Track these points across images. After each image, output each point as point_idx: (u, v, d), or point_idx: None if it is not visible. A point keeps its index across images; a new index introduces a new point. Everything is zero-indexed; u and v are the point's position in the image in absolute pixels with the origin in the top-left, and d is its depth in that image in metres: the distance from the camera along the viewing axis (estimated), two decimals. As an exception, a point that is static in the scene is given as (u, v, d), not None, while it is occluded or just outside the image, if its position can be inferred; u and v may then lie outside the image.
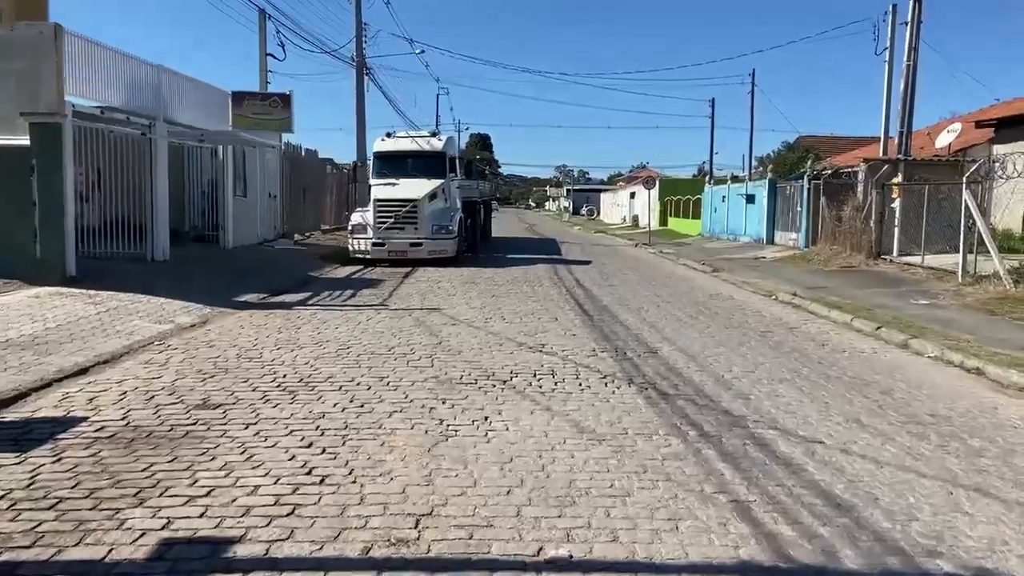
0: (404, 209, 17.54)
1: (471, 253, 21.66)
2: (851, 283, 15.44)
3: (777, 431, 5.53)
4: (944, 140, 18.75)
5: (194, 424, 5.37)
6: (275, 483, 4.26)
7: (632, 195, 55.11)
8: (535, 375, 7.02)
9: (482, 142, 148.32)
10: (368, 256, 17.63)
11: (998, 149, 19.63)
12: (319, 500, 4.03)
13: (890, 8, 20.87)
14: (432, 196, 18.11)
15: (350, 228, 18.02)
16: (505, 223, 54.19)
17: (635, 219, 51.78)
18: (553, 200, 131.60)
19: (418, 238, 17.61)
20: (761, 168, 39.43)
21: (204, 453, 4.77)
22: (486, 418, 5.64)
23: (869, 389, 6.92)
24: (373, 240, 17.56)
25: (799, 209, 23.83)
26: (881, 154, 20.33)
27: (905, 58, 18.61)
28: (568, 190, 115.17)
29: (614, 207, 65.88)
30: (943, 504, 4.30)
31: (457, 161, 19.87)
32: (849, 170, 21.80)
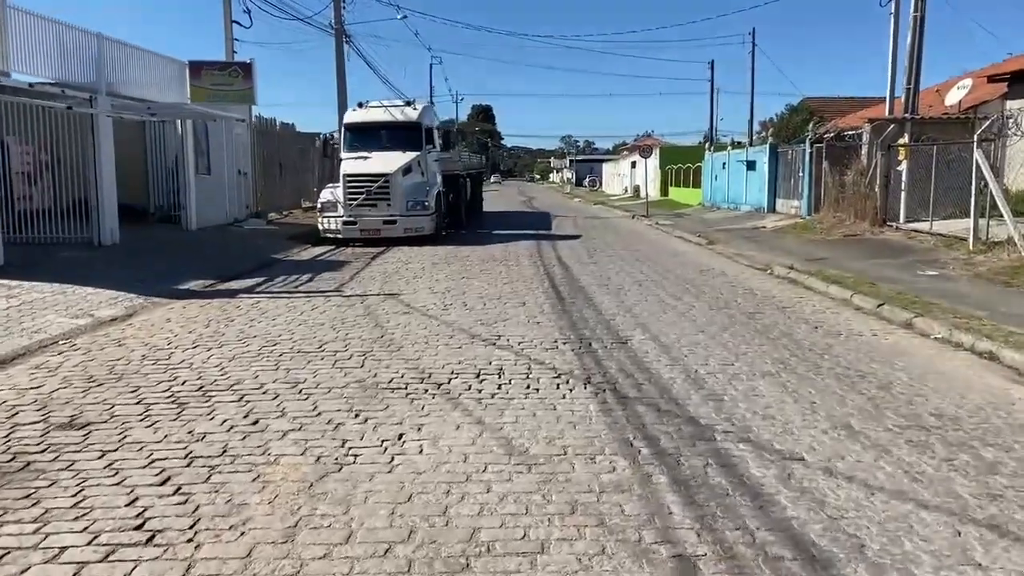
0: (376, 184, 16.50)
1: (455, 230, 20.64)
2: (854, 253, 14.39)
3: (749, 445, 4.57)
4: (954, 97, 17.52)
5: (43, 451, 4.45)
6: (88, 543, 3.33)
7: (633, 165, 53.74)
8: (478, 376, 6.06)
9: (484, 113, 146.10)
10: (339, 236, 16.64)
11: (1012, 105, 18.37)
12: (130, 573, 3.09)
13: (895, -43, 19.51)
14: (407, 170, 17.06)
15: (319, 206, 17.02)
16: (503, 197, 53.08)
17: (636, 189, 50.50)
18: (557, 172, 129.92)
19: (392, 215, 16.59)
20: (764, 133, 38.09)
21: (30, 495, 3.84)
22: (400, 436, 4.70)
23: (865, 383, 5.93)
24: (344, 218, 16.56)
25: (801, 175, 22.67)
26: (887, 113, 19.10)
27: (912, 8, 17.32)
28: (571, 161, 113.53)
29: (615, 177, 64.57)
30: (948, 551, 3.34)
31: (435, 132, 18.76)
32: (853, 132, 20.60)
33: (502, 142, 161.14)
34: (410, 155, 17.43)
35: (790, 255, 14.54)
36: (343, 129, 18.35)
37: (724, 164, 30.69)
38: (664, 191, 44.40)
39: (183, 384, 5.84)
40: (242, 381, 5.90)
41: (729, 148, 31.73)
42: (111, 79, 14.40)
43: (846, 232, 17.35)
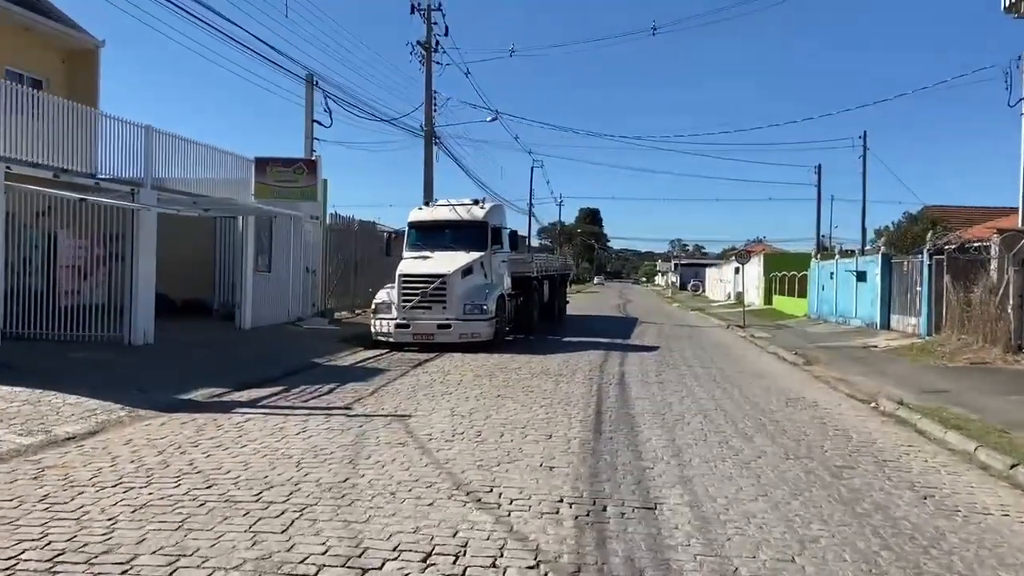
0: (432, 286, 15.39)
1: (523, 335, 19.24)
2: (982, 386, 11.93)
3: None
4: (1103, 205, 15.02)
5: None
6: None
7: (736, 271, 51.26)
8: (425, 560, 4.42)
9: (591, 216, 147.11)
10: (391, 339, 15.50)
11: None
12: None
13: (1025, 51, 17.45)
14: (467, 271, 15.90)
15: (373, 307, 16.02)
16: (599, 299, 51.63)
17: (739, 296, 47.87)
18: (662, 275, 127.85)
19: (447, 319, 15.35)
20: (878, 242, 35.28)
21: None
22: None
23: (993, 616, 3.92)
24: (397, 321, 15.44)
25: (919, 289, 20.11)
26: (1020, 224, 16.64)
27: (1046, 106, 15.15)
28: (675, 264, 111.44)
29: (719, 283, 62.06)
30: None
31: (504, 232, 17.66)
32: (979, 244, 18.09)
33: (608, 244, 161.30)
34: (473, 255, 16.33)
35: (902, 384, 12.23)
36: (407, 228, 17.54)
37: (832, 273, 28.19)
38: (768, 299, 41.73)
39: (43, 547, 4.49)
40: (115, 549, 4.49)
41: (837, 256, 29.24)
42: (166, 174, 14.14)
43: (972, 359, 14.76)
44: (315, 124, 19.60)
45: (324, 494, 5.57)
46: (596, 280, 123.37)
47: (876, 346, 18.70)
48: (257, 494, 5.55)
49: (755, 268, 45.76)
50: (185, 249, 18.90)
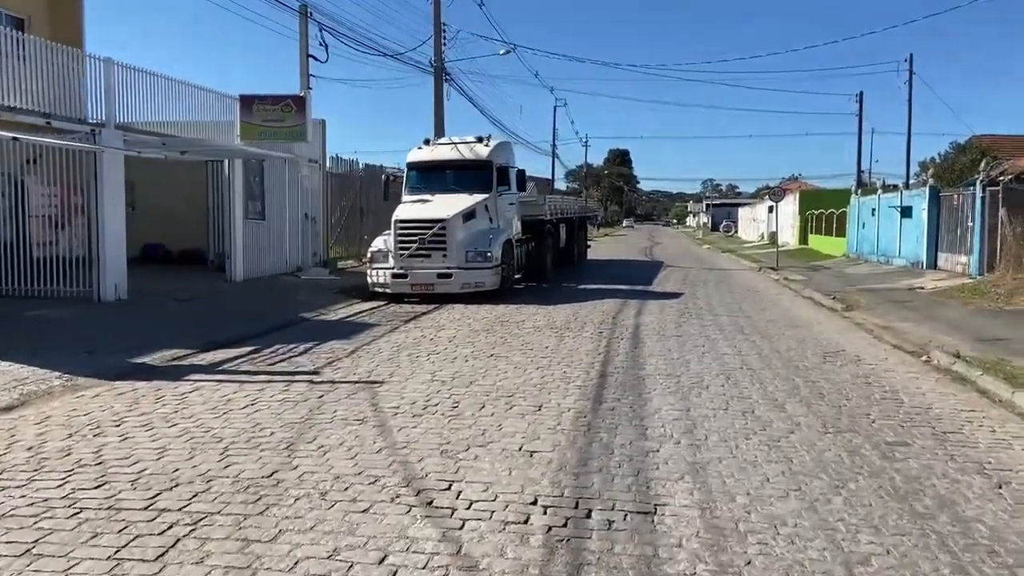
0: (431, 231, 14.10)
1: (536, 283, 17.98)
2: (1049, 335, 10.46)
3: None
4: None
5: None
6: None
7: (770, 209, 49.08)
8: (331, 599, 3.26)
9: (620, 157, 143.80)
10: (388, 291, 14.32)
11: None
12: None
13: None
14: (469, 215, 14.58)
15: (369, 256, 14.82)
16: (626, 243, 50.07)
17: (772, 236, 45.88)
18: (693, 216, 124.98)
19: (447, 267, 14.10)
20: (923, 175, 33.10)
21: None
22: None
23: None
24: (394, 271, 14.23)
25: (970, 224, 18.37)
26: (1090, 148, 14.80)
27: None
28: (707, 205, 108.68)
29: (751, 223, 59.91)
30: None
31: (511, 172, 16.22)
32: (1041, 172, 16.27)
33: (638, 186, 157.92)
34: (476, 198, 14.98)
35: (956, 331, 10.81)
36: (407, 168, 16.20)
37: (873, 210, 26.34)
38: (804, 239, 39.85)
39: None
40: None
41: (880, 191, 27.32)
42: (137, 114, 12.93)
43: (1034, 300, 13.20)
44: (310, 60, 18.15)
45: (235, 496, 4.42)
46: (625, 223, 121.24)
47: (923, 288, 17.14)
48: (152, 498, 4.42)
49: (790, 206, 43.69)
50: (181, 197, 17.85)
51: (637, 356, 9.06)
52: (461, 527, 4.03)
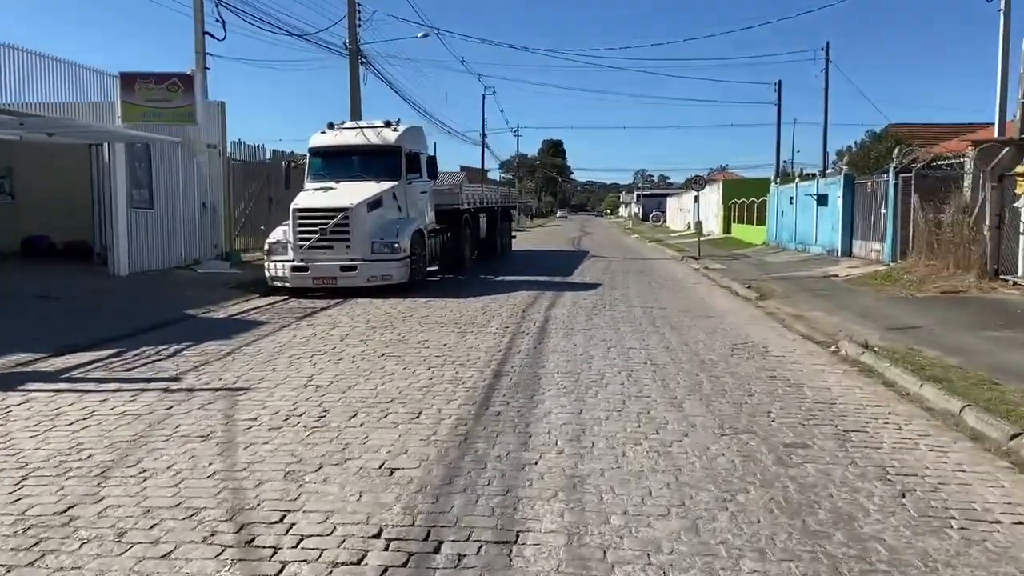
0: (332, 221, 13.26)
1: (453, 274, 17.34)
2: (957, 320, 10.37)
3: None
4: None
5: None
6: None
7: (696, 199, 49.49)
8: None
9: (554, 148, 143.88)
10: (288, 285, 13.45)
11: None
12: None
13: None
14: (375, 203, 13.80)
15: (266, 247, 13.90)
16: (556, 233, 49.80)
17: (699, 226, 46.27)
18: (626, 206, 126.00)
19: (351, 260, 13.30)
20: (839, 163, 33.65)
21: None
22: None
23: None
24: (294, 263, 13.36)
25: (884, 211, 18.50)
26: (996, 135, 14.95)
27: (1030, -2, 13.28)
28: (638, 195, 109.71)
29: (679, 213, 60.47)
30: None
31: (422, 158, 15.49)
32: (952, 160, 16.42)
33: (572, 176, 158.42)
34: (384, 185, 14.22)
35: (867, 319, 10.63)
36: (308, 154, 15.30)
37: (791, 198, 26.55)
38: (728, 228, 40.23)
39: None
40: None
41: (797, 180, 27.55)
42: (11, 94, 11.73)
43: (943, 287, 13.22)
44: (207, 37, 16.99)
45: (6, 541, 3.65)
46: (559, 213, 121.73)
47: (837, 275, 17.15)
48: (-96, 545, 3.62)
49: (714, 196, 44.12)
50: (67, 185, 16.53)
51: (539, 353, 8.51)
52: (280, 572, 3.37)
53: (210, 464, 4.73)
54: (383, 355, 8.32)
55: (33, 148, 15.29)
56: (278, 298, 13.19)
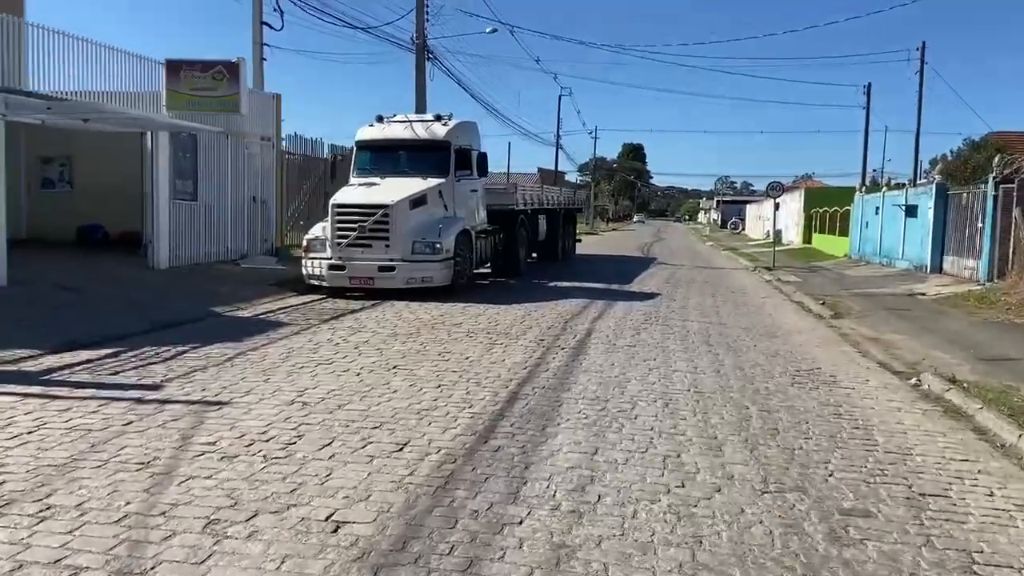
0: (372, 218, 12.58)
1: (505, 278, 16.53)
2: (1066, 356, 8.90)
3: None
4: None
5: None
6: None
7: (777, 207, 47.26)
8: None
9: (634, 152, 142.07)
10: (324, 284, 12.85)
11: None
12: None
13: None
14: (418, 201, 13.06)
15: (304, 244, 13.35)
16: (628, 238, 48.51)
17: (776, 235, 44.13)
18: (705, 212, 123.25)
19: (390, 260, 12.59)
20: (932, 172, 31.30)
21: None
22: None
23: None
24: (331, 261, 12.75)
25: (980, 225, 16.72)
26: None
27: None
28: (717, 201, 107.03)
29: (758, 221, 58.17)
30: None
31: (473, 155, 14.67)
32: (1061, 169, 14.61)
33: (651, 181, 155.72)
34: (430, 182, 13.47)
35: (955, 346, 9.29)
36: (355, 148, 14.70)
37: (877, 208, 24.67)
38: (808, 238, 38.16)
39: None
40: None
41: (884, 189, 25.63)
42: (38, 78, 11.48)
43: (1049, 313, 11.60)
44: (265, 27, 16.65)
45: None
46: (636, 218, 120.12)
47: (924, 294, 15.53)
48: None
49: (795, 204, 42.05)
50: (122, 174, 16.42)
51: (568, 373, 7.56)
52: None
53: (127, 504, 3.98)
54: (394, 368, 7.52)
55: (91, 137, 15.16)
56: (314, 297, 12.61)
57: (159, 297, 11.38)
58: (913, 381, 7.69)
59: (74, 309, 9.85)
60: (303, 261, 13.13)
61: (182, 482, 4.30)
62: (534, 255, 21.71)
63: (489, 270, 16.91)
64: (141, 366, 7.30)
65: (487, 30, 26.48)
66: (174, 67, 13.87)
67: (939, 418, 6.36)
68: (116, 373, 7.00)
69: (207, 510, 3.92)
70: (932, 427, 6.06)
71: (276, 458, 4.77)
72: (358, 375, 7.16)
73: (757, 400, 6.70)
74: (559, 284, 16.07)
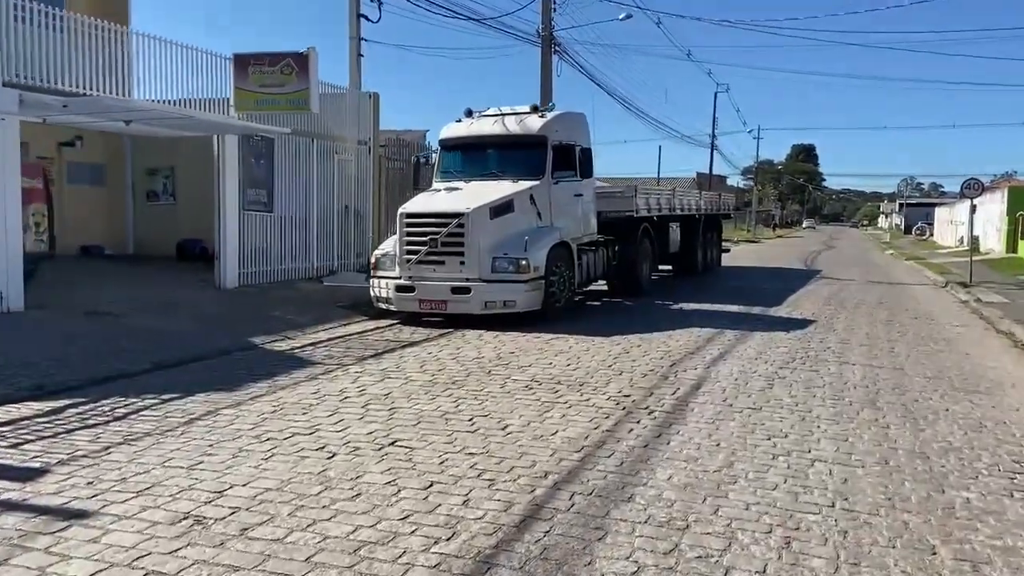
0: (445, 230, 10.48)
1: (623, 297, 14.01)
2: None
3: None
4: None
5: None
6: None
7: (974, 208, 40.88)
8: None
9: (804, 153, 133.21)
10: (391, 307, 10.90)
11: None
12: None
13: None
14: (501, 208, 10.79)
15: (372, 261, 11.46)
16: (792, 247, 44.05)
17: (973, 241, 38.02)
18: (885, 216, 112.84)
19: (465, 279, 10.42)
20: None
21: None
22: None
23: None
24: (399, 282, 10.77)
25: None
26: None
27: None
28: (900, 204, 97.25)
29: (949, 225, 51.23)
30: None
31: (576, 152, 12.21)
32: None
33: (824, 183, 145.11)
34: (520, 186, 11.21)
35: None
36: (439, 148, 12.70)
37: (1113, 208, 19.64)
38: (1012, 246, 32.34)
39: None
40: None
41: (1123, 184, 20.43)
42: (82, 78, 10.36)
43: None
44: (362, 20, 15.12)
45: None
46: (805, 224, 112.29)
47: None
48: None
49: (996, 206, 36.02)
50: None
51: (640, 463, 5.02)
52: None
53: None
54: (388, 446, 5.29)
55: (194, 145, 14.26)
56: (382, 324, 10.71)
57: (196, 323, 9.88)
58: None
59: (79, 342, 8.45)
60: (371, 281, 11.26)
61: None
62: (668, 268, 18.95)
63: (605, 287, 14.44)
64: (64, 432, 5.54)
65: (620, 16, 23.80)
66: (242, 62, 12.46)
67: None
68: (21, 444, 5.25)
69: None
70: None
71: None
72: (329, 459, 5.00)
73: (952, 531, 3.90)
74: (686, 306, 13.28)
